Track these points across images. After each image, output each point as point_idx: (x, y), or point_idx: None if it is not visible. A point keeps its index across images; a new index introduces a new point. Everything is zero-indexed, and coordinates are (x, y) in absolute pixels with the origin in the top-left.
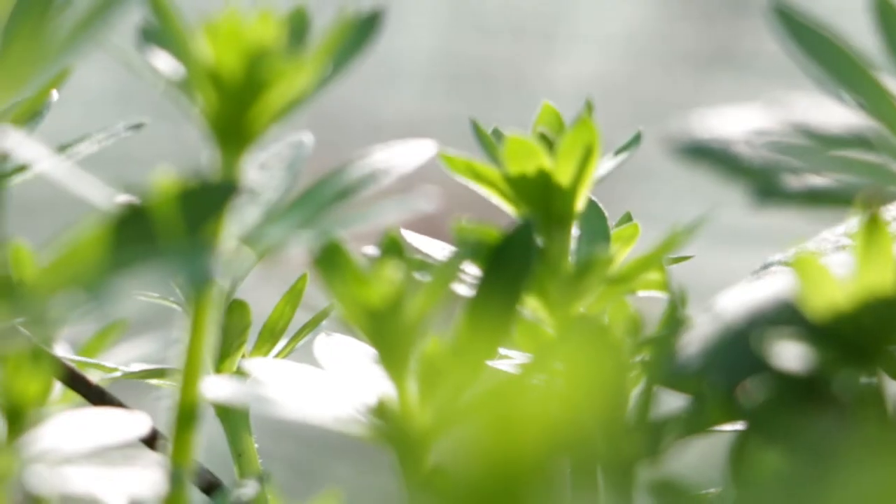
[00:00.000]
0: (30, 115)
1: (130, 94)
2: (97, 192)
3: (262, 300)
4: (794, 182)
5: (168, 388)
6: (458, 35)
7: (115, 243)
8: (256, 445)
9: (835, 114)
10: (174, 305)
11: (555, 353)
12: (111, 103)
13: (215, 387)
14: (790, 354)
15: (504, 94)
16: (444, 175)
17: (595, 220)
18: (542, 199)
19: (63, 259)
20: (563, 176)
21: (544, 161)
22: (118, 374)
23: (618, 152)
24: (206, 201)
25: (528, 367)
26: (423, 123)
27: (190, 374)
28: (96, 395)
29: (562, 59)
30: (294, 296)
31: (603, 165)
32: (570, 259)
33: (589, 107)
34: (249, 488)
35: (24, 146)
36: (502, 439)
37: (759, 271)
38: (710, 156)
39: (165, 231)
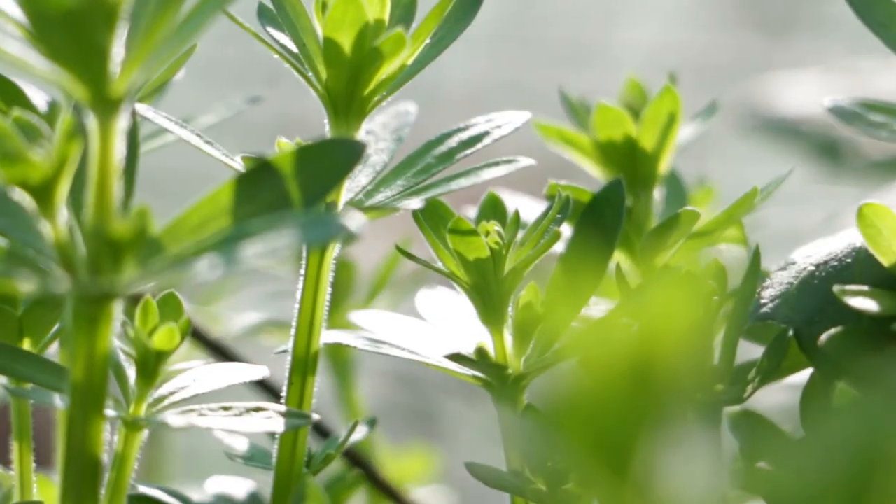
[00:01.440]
0: (158, 90)
1: (245, 68)
2: (224, 157)
3: (370, 256)
4: (852, 155)
5: (282, 342)
6: (523, 4)
7: (241, 202)
8: (366, 391)
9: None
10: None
11: (642, 299)
12: (227, 77)
13: (331, 336)
14: (864, 301)
15: (569, 62)
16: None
17: (674, 182)
18: (629, 163)
19: (192, 214)
20: (648, 142)
21: (631, 128)
22: (239, 328)
23: (696, 120)
24: (330, 162)
25: (616, 311)
26: (490, 90)
27: (307, 326)
28: (218, 349)
29: (628, 28)
30: (400, 253)
31: (683, 132)
32: (655, 217)
33: (672, 77)
34: (359, 433)
35: (154, 118)
36: (593, 378)
37: (827, 224)
38: (772, 127)
39: (289, 192)
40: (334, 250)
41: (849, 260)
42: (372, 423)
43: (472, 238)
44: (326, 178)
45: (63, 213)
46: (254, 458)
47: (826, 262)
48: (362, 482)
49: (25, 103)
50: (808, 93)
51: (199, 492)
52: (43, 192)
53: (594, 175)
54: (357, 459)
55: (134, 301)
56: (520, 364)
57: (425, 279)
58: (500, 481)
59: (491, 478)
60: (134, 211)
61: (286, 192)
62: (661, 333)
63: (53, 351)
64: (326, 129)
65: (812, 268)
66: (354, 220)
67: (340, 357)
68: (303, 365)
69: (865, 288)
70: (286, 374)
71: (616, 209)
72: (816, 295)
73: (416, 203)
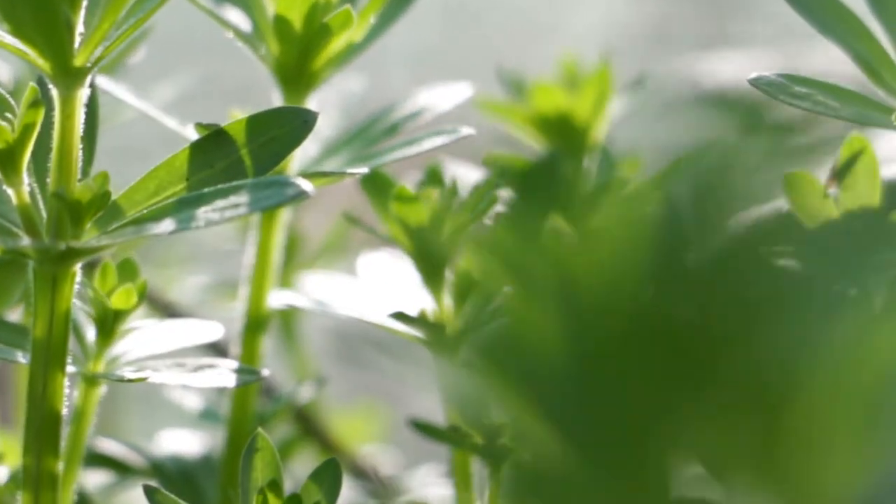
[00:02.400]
0: (118, 64)
1: (197, 41)
2: (178, 127)
3: (317, 223)
4: (777, 117)
5: (232, 306)
6: None
7: (195, 169)
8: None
9: (822, 58)
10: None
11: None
12: (181, 50)
13: (280, 297)
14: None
15: (523, 38)
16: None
17: (606, 153)
18: (564, 134)
19: (148, 180)
20: (581, 113)
21: (564, 101)
22: (191, 290)
23: (626, 92)
24: (281, 130)
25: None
26: (438, 63)
27: (259, 287)
28: (173, 311)
29: (582, 7)
30: (347, 221)
31: (617, 105)
32: (588, 183)
33: (605, 53)
34: (307, 391)
35: (114, 90)
36: (519, 328)
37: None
38: (702, 99)
39: (242, 158)
40: (283, 216)
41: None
42: (319, 381)
43: (413, 204)
44: (278, 145)
45: (26, 179)
46: (206, 414)
47: (752, 223)
48: (310, 440)
49: None
50: (739, 69)
51: (155, 446)
52: (6, 159)
53: (534, 146)
54: (305, 418)
55: (92, 267)
56: (457, 324)
57: (375, 247)
58: (440, 435)
59: (431, 432)
60: (93, 177)
61: (239, 158)
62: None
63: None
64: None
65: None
66: (303, 187)
67: (288, 318)
68: (254, 324)
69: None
70: (237, 335)
71: (550, 176)
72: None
73: (362, 170)
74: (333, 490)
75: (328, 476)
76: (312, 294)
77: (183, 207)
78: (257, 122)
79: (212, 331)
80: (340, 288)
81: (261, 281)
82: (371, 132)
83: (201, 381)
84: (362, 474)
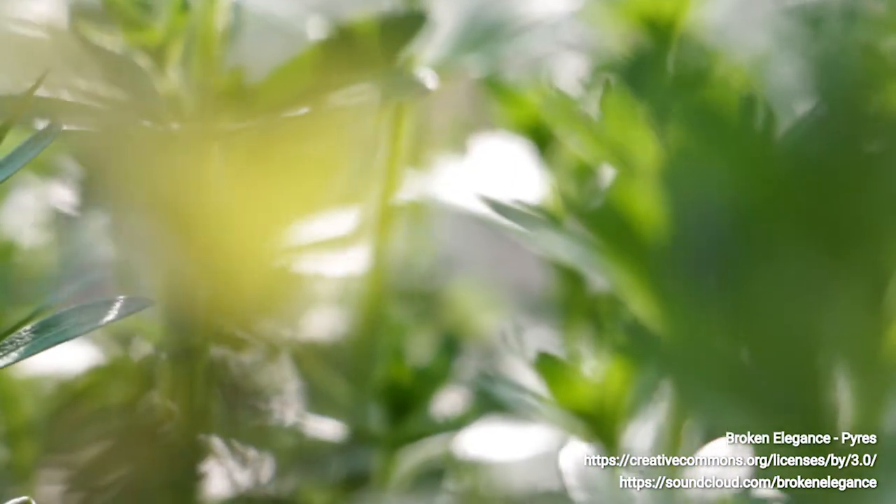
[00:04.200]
0: None
1: None
2: (307, 23)
3: (439, 115)
4: None
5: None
6: None
7: (325, 62)
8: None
9: None
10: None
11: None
12: None
13: (410, 185)
14: None
15: None
16: None
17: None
18: (658, 29)
19: (281, 73)
20: (673, 9)
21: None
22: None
23: None
24: (402, 28)
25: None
26: None
27: (392, 173)
28: None
29: None
30: (465, 111)
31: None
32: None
33: None
34: (431, 269)
35: None
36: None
37: None
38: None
39: (368, 52)
40: (409, 106)
41: None
42: (444, 261)
43: (525, 98)
44: (401, 42)
45: (175, 72)
46: (342, 297)
47: None
48: (433, 315)
49: None
50: None
51: (297, 327)
52: (158, 54)
53: (632, 42)
54: (430, 295)
55: None
56: (566, 200)
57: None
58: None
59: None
60: (231, 70)
61: (365, 52)
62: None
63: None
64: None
65: None
66: (428, 80)
67: (415, 205)
68: (385, 213)
69: None
70: (369, 222)
71: (647, 67)
72: None
73: (479, 65)
74: (453, 359)
75: (449, 347)
76: (438, 181)
77: (314, 95)
78: (381, 21)
79: (347, 221)
80: (462, 174)
81: (392, 171)
82: (488, 32)
83: (336, 268)
84: (481, 345)
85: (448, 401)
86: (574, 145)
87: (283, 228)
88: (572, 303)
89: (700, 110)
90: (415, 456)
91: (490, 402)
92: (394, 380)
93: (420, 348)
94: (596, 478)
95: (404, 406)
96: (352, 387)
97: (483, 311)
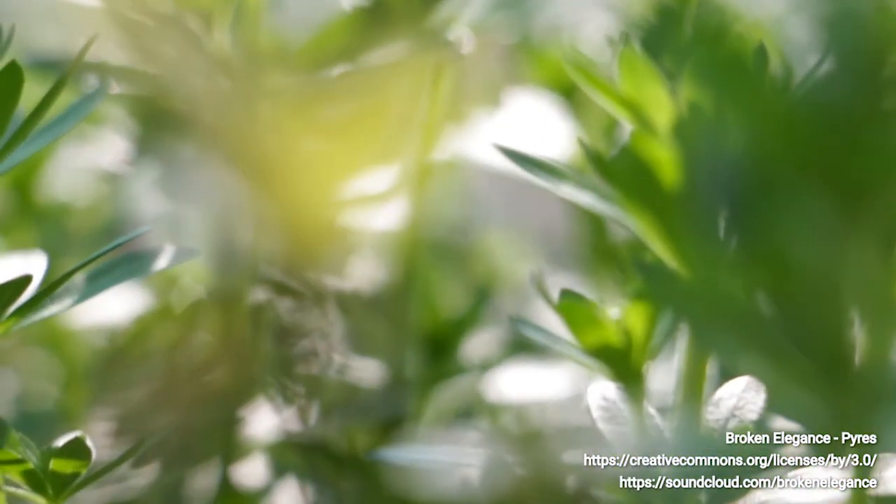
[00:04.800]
0: None
1: None
2: None
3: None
4: None
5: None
6: None
7: (362, 26)
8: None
9: None
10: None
11: None
12: None
13: (447, 144)
14: None
15: None
16: None
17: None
18: None
19: (323, 35)
20: None
21: None
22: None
23: None
24: None
25: None
26: None
27: (430, 130)
28: None
29: None
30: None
31: None
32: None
33: None
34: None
35: None
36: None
37: None
38: None
39: (402, 15)
40: (446, 66)
41: None
42: (477, 212)
43: (550, 57)
44: (436, 2)
45: (225, 35)
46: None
47: None
48: (469, 265)
49: None
50: None
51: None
52: (209, 17)
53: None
54: (464, 248)
55: None
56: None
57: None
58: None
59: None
60: (277, 31)
61: (403, 14)
62: None
63: None
64: None
65: None
66: (462, 37)
67: (450, 163)
68: (423, 168)
69: None
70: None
71: (668, 25)
72: None
73: (511, 25)
74: (483, 306)
75: (480, 294)
76: (472, 138)
77: (353, 54)
78: None
79: (387, 177)
80: (495, 130)
81: (430, 128)
82: None
83: (377, 221)
84: (511, 293)
85: (479, 344)
86: (597, 101)
87: (328, 182)
88: (596, 250)
89: (715, 64)
90: (448, 397)
91: (519, 345)
92: (428, 325)
93: (453, 296)
94: (621, 414)
95: (438, 349)
96: (390, 332)
97: (513, 260)
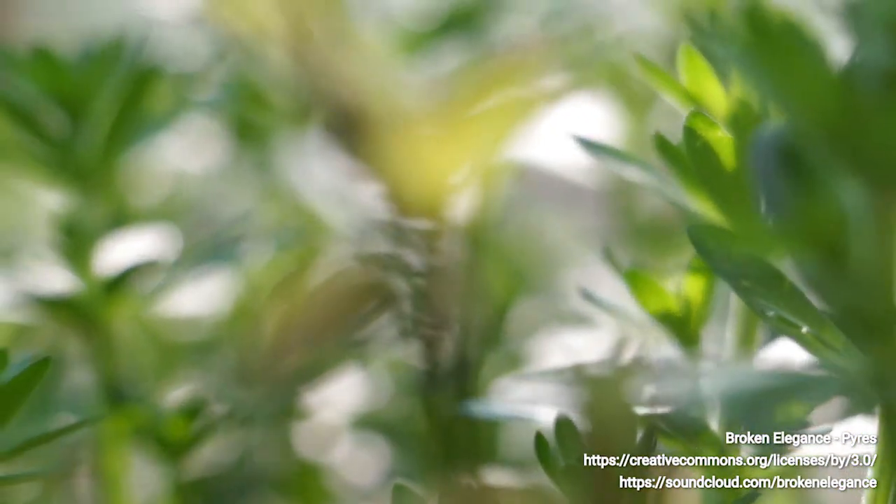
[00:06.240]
0: None
1: None
2: None
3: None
4: None
5: None
6: None
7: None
8: None
9: None
10: None
11: None
12: None
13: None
14: None
15: None
16: None
17: None
18: None
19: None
20: None
21: None
22: None
23: None
24: None
25: None
26: None
27: (506, 121)
28: None
29: None
30: None
31: None
32: None
33: None
34: None
35: None
36: None
37: None
38: None
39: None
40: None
41: None
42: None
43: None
44: None
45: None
46: None
47: None
48: None
49: None
50: None
51: None
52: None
53: None
54: None
55: None
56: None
57: None
58: None
59: None
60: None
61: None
62: None
63: None
64: None
65: None
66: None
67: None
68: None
69: None
70: None
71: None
72: None
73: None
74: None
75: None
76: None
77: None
78: None
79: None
80: (563, 124)
81: (504, 121)
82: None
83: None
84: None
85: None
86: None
87: (441, 168)
88: (635, 232)
89: (763, 47)
90: (502, 360)
91: (562, 317)
92: (493, 295)
93: (511, 272)
94: (680, 372)
95: (495, 320)
96: (464, 300)
97: (571, 240)
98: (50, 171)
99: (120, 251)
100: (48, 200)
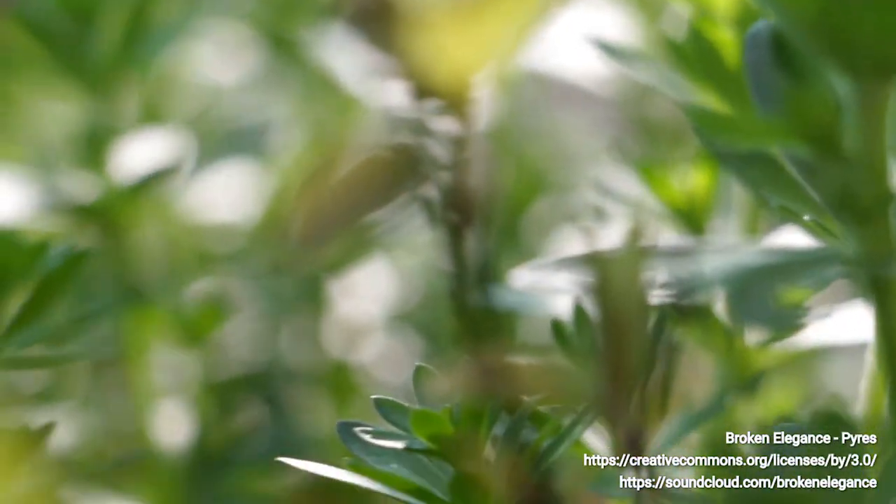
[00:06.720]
0: None
1: None
2: None
3: None
4: None
5: None
6: None
7: None
8: None
9: None
10: None
11: None
12: None
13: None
14: None
15: None
16: None
17: None
18: None
19: None
20: None
21: None
22: None
23: None
24: None
25: None
26: None
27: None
28: None
29: None
30: None
31: None
32: None
33: None
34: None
35: None
36: None
37: None
38: None
39: None
40: None
41: None
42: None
43: None
44: None
45: None
46: None
47: None
48: None
49: None
50: None
51: None
52: None
53: None
54: None
55: None
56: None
57: None
58: None
59: None
60: None
61: None
62: None
63: None
64: None
65: None
66: None
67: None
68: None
69: None
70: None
71: None
72: None
73: None
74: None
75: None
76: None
77: None
78: None
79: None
80: (572, 26)
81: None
82: None
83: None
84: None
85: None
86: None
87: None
88: (662, 124)
89: None
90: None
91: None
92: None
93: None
94: (687, 256)
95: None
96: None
97: (585, 142)
98: (63, 78)
99: (142, 154)
100: (66, 111)
